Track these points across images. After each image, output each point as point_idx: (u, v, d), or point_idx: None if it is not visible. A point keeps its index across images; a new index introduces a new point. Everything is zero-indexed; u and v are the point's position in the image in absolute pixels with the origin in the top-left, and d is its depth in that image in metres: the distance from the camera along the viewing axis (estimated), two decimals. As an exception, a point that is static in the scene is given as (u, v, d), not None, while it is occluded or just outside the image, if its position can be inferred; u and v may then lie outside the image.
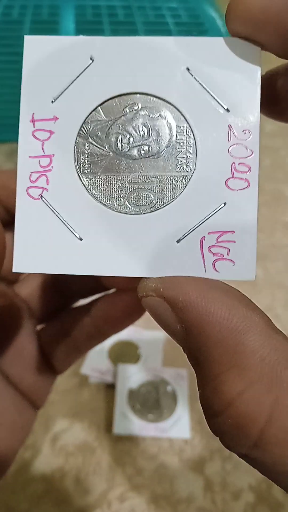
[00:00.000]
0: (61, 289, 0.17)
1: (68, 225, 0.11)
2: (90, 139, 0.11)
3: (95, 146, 0.11)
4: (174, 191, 0.11)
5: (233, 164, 0.10)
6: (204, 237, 0.10)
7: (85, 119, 0.11)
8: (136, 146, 0.11)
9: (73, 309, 0.17)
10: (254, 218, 0.10)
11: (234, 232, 0.10)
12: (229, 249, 0.10)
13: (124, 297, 0.15)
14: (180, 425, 0.26)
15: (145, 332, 0.31)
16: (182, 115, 0.11)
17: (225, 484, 0.24)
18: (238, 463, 0.25)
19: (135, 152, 0.11)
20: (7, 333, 0.16)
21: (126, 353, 0.30)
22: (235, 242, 0.10)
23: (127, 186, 0.11)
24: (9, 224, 0.14)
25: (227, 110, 0.11)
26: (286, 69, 0.13)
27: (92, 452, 0.25)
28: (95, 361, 0.29)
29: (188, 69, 0.11)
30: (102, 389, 0.28)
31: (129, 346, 0.30)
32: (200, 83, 0.11)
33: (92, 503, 0.23)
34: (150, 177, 0.11)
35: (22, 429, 0.16)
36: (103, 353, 0.30)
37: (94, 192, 0.11)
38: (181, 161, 0.11)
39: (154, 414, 0.26)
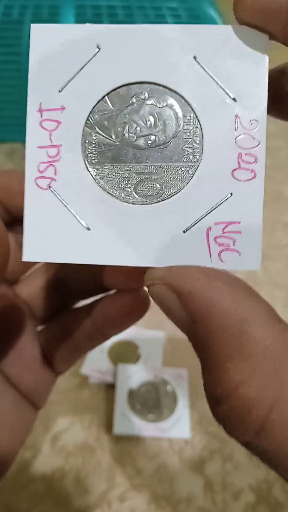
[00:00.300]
0: (62, 290, 0.17)
1: (75, 215, 0.11)
2: (97, 129, 0.11)
3: (102, 136, 0.11)
4: (180, 181, 0.11)
5: (240, 155, 0.10)
6: (210, 227, 0.10)
7: (92, 109, 0.11)
8: (143, 136, 0.11)
9: (74, 310, 0.17)
10: (260, 209, 0.10)
11: (240, 222, 0.10)
12: (235, 240, 0.10)
13: (125, 298, 0.15)
14: (180, 425, 0.26)
15: (145, 332, 0.31)
16: (189, 104, 0.11)
17: (225, 484, 0.24)
18: (238, 463, 0.25)
19: (141, 142, 0.11)
20: (8, 334, 0.16)
21: (126, 353, 0.30)
22: (241, 232, 0.10)
23: (134, 176, 0.11)
24: (11, 224, 0.14)
25: (234, 99, 0.10)
26: None
27: (92, 452, 0.25)
28: (95, 361, 0.29)
29: (195, 57, 0.11)
30: (102, 389, 0.28)
31: (129, 346, 0.30)
32: (207, 72, 0.10)
33: (92, 503, 0.23)
34: (157, 167, 0.11)
35: (22, 429, 0.16)
36: (103, 353, 0.30)
37: (101, 182, 0.11)
38: (187, 151, 0.11)
39: (154, 414, 0.26)
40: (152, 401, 0.27)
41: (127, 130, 0.11)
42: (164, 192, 0.11)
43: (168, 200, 0.11)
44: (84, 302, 0.17)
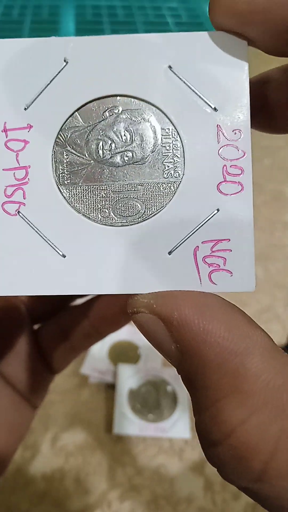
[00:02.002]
0: None
1: (49, 242, 0.10)
2: (68, 147, 0.10)
3: (74, 154, 0.10)
4: (162, 199, 0.10)
5: (225, 167, 0.10)
6: (198, 246, 0.10)
7: (62, 126, 0.10)
8: (118, 152, 0.10)
9: (70, 308, 0.17)
10: (250, 224, 0.10)
11: (229, 240, 0.10)
12: (225, 259, 0.10)
13: (120, 296, 0.15)
14: (180, 425, 0.26)
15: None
16: (167, 116, 0.10)
17: (225, 484, 0.24)
18: (238, 463, 0.25)
19: (118, 159, 0.10)
20: (5, 333, 0.16)
21: (126, 353, 0.30)
22: (231, 250, 0.10)
23: (112, 196, 0.10)
24: None
25: (215, 109, 0.10)
26: (280, 72, 0.12)
27: (92, 452, 0.25)
28: (95, 361, 0.29)
29: (170, 67, 0.10)
30: (102, 389, 0.28)
31: (129, 346, 0.30)
32: (184, 82, 0.10)
33: (92, 503, 0.23)
34: (136, 185, 0.10)
35: (20, 428, 0.16)
36: (103, 353, 0.30)
37: (75, 204, 0.10)
38: (168, 166, 0.10)
39: (154, 414, 0.26)
40: (152, 401, 0.27)
41: (101, 147, 0.10)
42: (145, 212, 0.10)
43: (150, 219, 0.10)
44: (80, 301, 0.17)
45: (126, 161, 0.10)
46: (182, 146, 0.10)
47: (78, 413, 0.27)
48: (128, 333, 0.31)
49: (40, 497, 0.23)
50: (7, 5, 0.48)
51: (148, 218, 0.10)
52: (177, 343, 0.09)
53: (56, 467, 0.24)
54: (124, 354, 0.30)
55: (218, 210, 0.10)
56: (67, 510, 0.23)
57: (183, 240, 0.10)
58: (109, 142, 0.10)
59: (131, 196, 0.10)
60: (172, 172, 0.10)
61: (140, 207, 0.10)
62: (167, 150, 0.10)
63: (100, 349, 0.30)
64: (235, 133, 0.10)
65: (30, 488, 0.23)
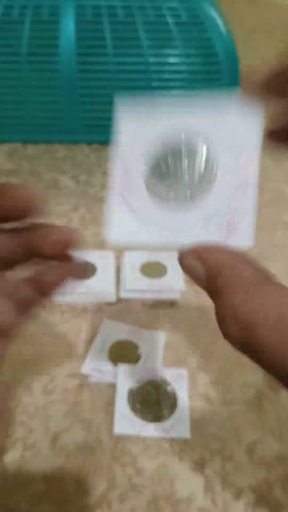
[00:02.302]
0: None
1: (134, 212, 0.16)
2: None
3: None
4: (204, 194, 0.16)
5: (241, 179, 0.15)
6: (223, 221, 0.15)
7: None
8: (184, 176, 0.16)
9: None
10: (254, 210, 0.15)
11: (238, 215, 0.15)
12: (236, 228, 0.15)
13: (70, 264, 0.18)
14: (180, 425, 0.26)
15: (145, 332, 0.31)
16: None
17: (225, 485, 0.24)
18: (238, 464, 0.25)
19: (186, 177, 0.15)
20: None
21: (126, 353, 0.30)
22: (239, 223, 0.15)
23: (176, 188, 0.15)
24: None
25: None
26: None
27: (92, 452, 0.25)
28: (95, 361, 0.29)
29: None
30: (102, 389, 0.28)
31: (129, 346, 0.30)
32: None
33: (92, 503, 0.23)
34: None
35: None
36: (103, 353, 0.30)
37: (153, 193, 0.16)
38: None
39: (154, 414, 0.26)
40: (152, 401, 0.27)
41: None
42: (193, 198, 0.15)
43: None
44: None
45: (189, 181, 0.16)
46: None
47: (78, 413, 0.27)
48: (128, 333, 0.31)
49: (40, 497, 0.23)
50: (7, 5, 0.48)
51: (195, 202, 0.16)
52: (207, 271, 0.15)
53: (56, 467, 0.24)
54: (124, 354, 0.30)
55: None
56: (67, 510, 0.23)
57: (216, 215, 0.15)
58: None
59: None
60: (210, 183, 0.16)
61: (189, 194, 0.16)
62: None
63: (100, 349, 0.30)
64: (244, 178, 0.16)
65: (30, 488, 0.23)
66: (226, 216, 0.15)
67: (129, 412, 0.26)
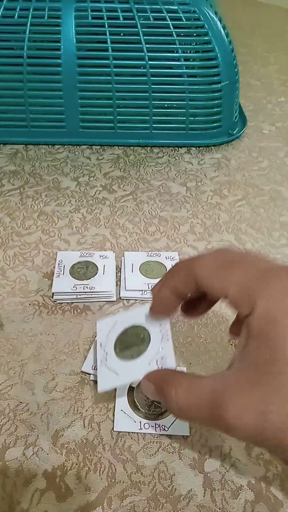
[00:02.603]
0: None
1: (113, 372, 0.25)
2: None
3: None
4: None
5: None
6: (156, 360, 0.24)
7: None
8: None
9: None
10: (172, 351, 0.24)
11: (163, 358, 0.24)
12: (165, 362, 0.24)
13: None
14: (180, 423, 0.26)
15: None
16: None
17: (224, 482, 0.24)
18: (238, 461, 0.25)
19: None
20: None
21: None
22: (165, 359, 0.24)
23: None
24: None
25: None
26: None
27: (93, 449, 0.25)
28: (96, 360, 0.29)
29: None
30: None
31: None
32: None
33: (93, 500, 0.23)
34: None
35: None
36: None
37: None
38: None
39: (153, 412, 0.27)
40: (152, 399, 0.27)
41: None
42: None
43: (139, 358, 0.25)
44: None
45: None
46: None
47: (79, 410, 0.27)
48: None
49: (41, 494, 0.23)
50: (8, 7, 0.48)
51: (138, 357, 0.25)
52: (154, 384, 0.21)
53: (57, 464, 0.25)
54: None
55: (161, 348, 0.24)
56: (68, 507, 0.23)
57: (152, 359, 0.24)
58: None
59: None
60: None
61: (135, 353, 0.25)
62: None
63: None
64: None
65: (31, 485, 0.24)
66: (158, 356, 0.24)
67: (128, 410, 0.26)
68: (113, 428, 0.26)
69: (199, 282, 0.20)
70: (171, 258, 0.37)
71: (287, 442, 0.16)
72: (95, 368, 0.29)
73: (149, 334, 0.25)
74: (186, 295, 0.22)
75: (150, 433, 0.26)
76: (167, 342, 0.24)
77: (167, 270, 0.36)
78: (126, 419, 0.26)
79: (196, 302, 0.24)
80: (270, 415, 0.16)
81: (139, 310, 0.26)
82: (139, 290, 0.34)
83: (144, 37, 0.48)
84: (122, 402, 0.27)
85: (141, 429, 0.26)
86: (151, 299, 0.24)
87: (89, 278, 0.35)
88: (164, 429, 0.26)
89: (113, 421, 0.26)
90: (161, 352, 0.24)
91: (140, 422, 0.26)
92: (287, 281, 0.18)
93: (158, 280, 0.25)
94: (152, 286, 0.24)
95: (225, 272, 0.20)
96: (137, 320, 0.26)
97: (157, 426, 0.26)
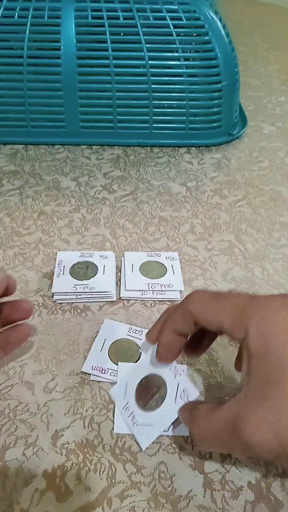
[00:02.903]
0: None
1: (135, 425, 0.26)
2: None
3: None
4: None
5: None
6: (180, 395, 0.26)
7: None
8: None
9: None
10: (189, 381, 0.27)
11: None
12: (189, 393, 0.26)
13: (21, 328, 0.29)
14: (181, 423, 0.26)
15: (145, 331, 0.32)
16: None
17: (224, 483, 0.24)
18: (238, 462, 0.25)
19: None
20: None
21: (127, 352, 0.30)
22: (189, 392, 0.26)
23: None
24: None
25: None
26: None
27: (93, 449, 0.25)
28: (96, 359, 0.29)
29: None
30: (102, 387, 0.28)
31: (130, 345, 0.31)
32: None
33: (93, 501, 0.23)
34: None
35: None
36: (104, 352, 0.30)
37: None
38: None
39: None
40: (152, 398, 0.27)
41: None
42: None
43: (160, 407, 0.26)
44: None
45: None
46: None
47: (79, 411, 0.27)
48: (129, 332, 0.31)
49: (41, 495, 0.23)
50: (8, 7, 0.48)
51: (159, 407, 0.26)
52: (188, 411, 0.24)
53: (57, 464, 0.25)
54: (124, 353, 0.30)
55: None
56: (67, 507, 0.23)
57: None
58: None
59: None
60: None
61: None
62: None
63: (101, 348, 0.30)
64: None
65: (31, 486, 0.24)
66: (180, 392, 0.26)
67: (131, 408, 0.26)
68: (113, 428, 0.26)
69: (195, 317, 0.22)
70: (171, 258, 0.37)
71: None
72: (95, 368, 0.29)
73: (162, 378, 0.26)
74: (188, 334, 0.24)
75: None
76: (181, 376, 0.26)
77: (167, 271, 0.36)
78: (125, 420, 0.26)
79: (197, 341, 0.26)
80: (283, 421, 0.17)
81: (143, 361, 0.28)
82: (139, 290, 0.34)
83: (144, 37, 0.48)
84: (122, 402, 0.27)
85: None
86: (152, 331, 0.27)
87: (89, 278, 0.35)
88: (164, 430, 0.26)
89: (113, 422, 0.26)
90: (180, 387, 0.26)
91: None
92: (270, 301, 0.20)
93: (158, 280, 0.25)
94: (147, 332, 0.26)
95: (217, 304, 0.22)
96: (145, 371, 0.27)
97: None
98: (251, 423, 0.18)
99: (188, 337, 0.25)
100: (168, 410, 0.25)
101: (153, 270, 0.36)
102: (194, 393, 0.26)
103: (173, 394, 0.26)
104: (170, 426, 0.26)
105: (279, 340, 0.19)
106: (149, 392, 0.26)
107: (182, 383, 0.26)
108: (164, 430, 0.25)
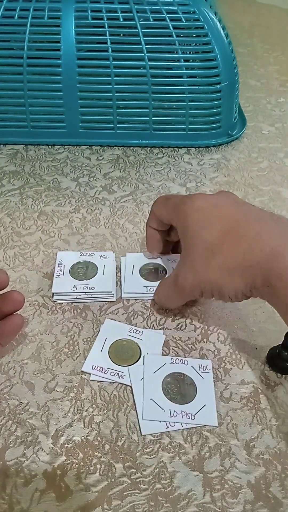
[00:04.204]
0: None
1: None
2: None
3: None
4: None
5: None
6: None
7: None
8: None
9: None
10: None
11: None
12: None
13: (15, 320, 0.30)
14: (206, 412, 0.26)
15: (145, 331, 0.32)
16: None
17: (224, 482, 0.24)
18: (237, 461, 0.25)
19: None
20: None
21: (127, 352, 0.30)
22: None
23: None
24: None
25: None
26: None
27: (93, 449, 0.25)
28: (96, 359, 0.30)
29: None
30: (102, 387, 0.28)
31: (130, 345, 0.31)
32: None
33: (92, 500, 0.23)
34: None
35: None
36: (104, 351, 0.30)
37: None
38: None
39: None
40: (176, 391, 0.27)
41: None
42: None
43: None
44: None
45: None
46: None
47: (79, 410, 0.27)
48: (129, 332, 0.32)
49: (41, 494, 0.23)
50: (8, 7, 0.48)
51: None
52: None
53: (57, 464, 0.25)
54: (124, 352, 0.30)
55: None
56: (67, 507, 0.23)
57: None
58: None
59: None
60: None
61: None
62: None
63: (101, 348, 0.30)
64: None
65: (31, 485, 0.24)
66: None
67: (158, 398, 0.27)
68: (112, 428, 0.26)
69: (156, 215, 0.32)
70: (173, 260, 0.37)
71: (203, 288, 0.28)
72: (95, 368, 0.29)
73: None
74: (161, 229, 0.34)
75: (178, 423, 0.26)
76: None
77: (167, 272, 0.36)
78: (156, 407, 0.26)
79: (177, 244, 0.36)
80: (196, 267, 0.28)
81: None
82: (139, 293, 0.34)
83: (144, 38, 0.48)
84: (150, 393, 0.27)
85: (170, 417, 0.26)
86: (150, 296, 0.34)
87: (89, 278, 0.35)
88: (191, 418, 0.26)
89: (113, 421, 0.26)
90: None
91: (170, 410, 0.26)
92: (196, 197, 0.29)
93: (158, 282, 0.33)
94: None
95: (166, 203, 0.31)
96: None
97: (183, 413, 0.26)
98: (182, 274, 0.29)
99: (167, 231, 0.34)
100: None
101: (152, 271, 0.36)
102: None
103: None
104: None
105: (192, 218, 0.28)
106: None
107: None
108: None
